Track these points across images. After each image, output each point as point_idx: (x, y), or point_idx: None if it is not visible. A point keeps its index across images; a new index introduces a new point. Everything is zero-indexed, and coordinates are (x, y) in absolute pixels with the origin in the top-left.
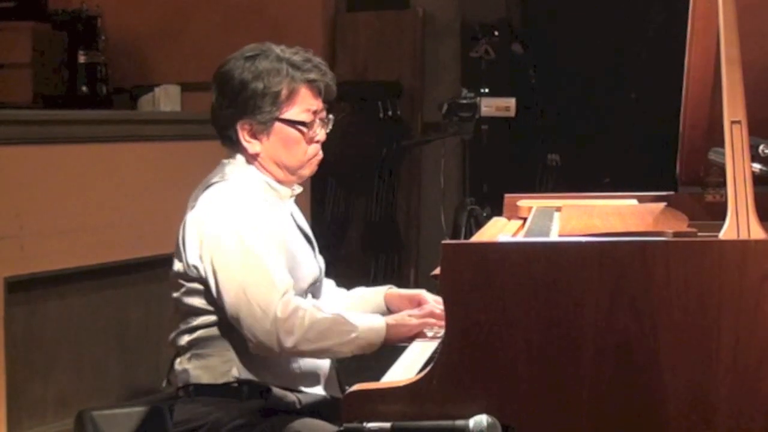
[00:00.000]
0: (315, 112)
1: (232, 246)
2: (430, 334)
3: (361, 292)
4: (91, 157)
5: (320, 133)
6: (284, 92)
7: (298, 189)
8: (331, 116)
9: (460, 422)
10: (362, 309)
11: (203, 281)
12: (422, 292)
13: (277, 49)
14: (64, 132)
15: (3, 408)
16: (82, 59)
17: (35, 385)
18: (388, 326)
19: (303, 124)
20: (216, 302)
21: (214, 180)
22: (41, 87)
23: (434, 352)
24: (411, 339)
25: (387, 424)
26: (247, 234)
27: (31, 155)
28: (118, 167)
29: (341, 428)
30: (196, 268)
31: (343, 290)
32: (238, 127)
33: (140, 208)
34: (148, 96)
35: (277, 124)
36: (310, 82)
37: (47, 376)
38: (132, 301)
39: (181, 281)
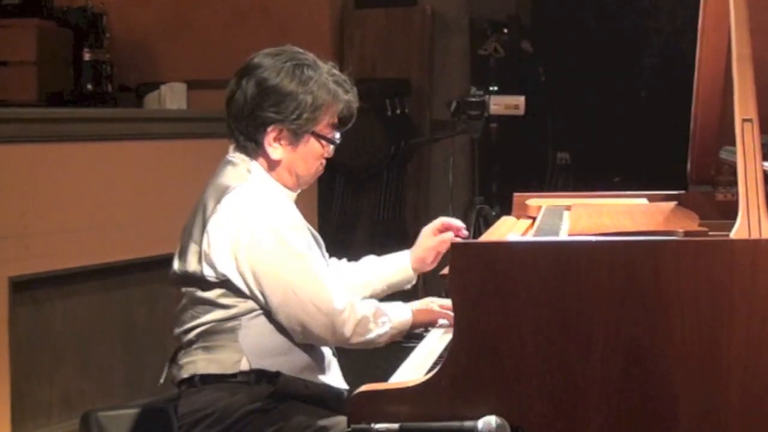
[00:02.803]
0: (337, 130)
1: (273, 249)
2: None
3: (375, 263)
4: (97, 156)
5: (332, 150)
6: (326, 108)
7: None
8: (337, 135)
9: (468, 423)
10: (386, 280)
11: (226, 283)
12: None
13: (321, 64)
14: (69, 130)
15: (7, 408)
16: (87, 57)
17: (40, 386)
18: (414, 315)
19: (332, 141)
20: (239, 296)
21: (233, 183)
22: (46, 85)
23: (443, 352)
24: (438, 316)
25: (395, 425)
26: (285, 235)
27: (35, 153)
28: (123, 165)
29: (349, 429)
30: (225, 274)
31: (352, 264)
32: (269, 129)
33: (146, 206)
34: (154, 94)
35: (311, 137)
36: (346, 103)
37: (52, 376)
38: (138, 301)
39: (198, 279)
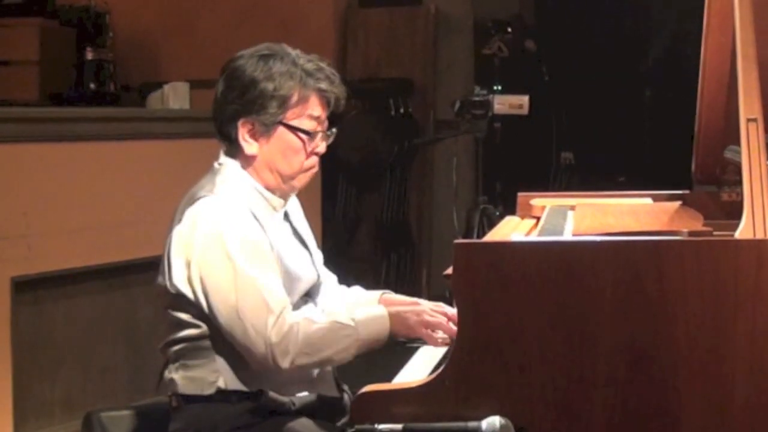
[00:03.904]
0: (319, 122)
1: (223, 268)
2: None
3: (356, 293)
4: (99, 155)
5: (322, 146)
6: (294, 97)
7: (293, 199)
8: (333, 129)
9: (472, 424)
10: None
11: (188, 299)
12: (418, 301)
13: (293, 53)
14: (71, 130)
15: (9, 409)
16: (90, 56)
17: (42, 386)
18: (391, 316)
19: (306, 133)
20: (203, 316)
21: (201, 194)
22: (49, 84)
23: (446, 353)
24: (418, 334)
25: (398, 426)
26: (238, 255)
27: (38, 153)
28: (126, 165)
29: (352, 430)
30: (179, 288)
31: (343, 287)
32: (239, 124)
33: (148, 206)
34: (157, 93)
35: (280, 129)
36: (321, 92)
37: (54, 376)
38: (140, 301)
39: (165, 294)
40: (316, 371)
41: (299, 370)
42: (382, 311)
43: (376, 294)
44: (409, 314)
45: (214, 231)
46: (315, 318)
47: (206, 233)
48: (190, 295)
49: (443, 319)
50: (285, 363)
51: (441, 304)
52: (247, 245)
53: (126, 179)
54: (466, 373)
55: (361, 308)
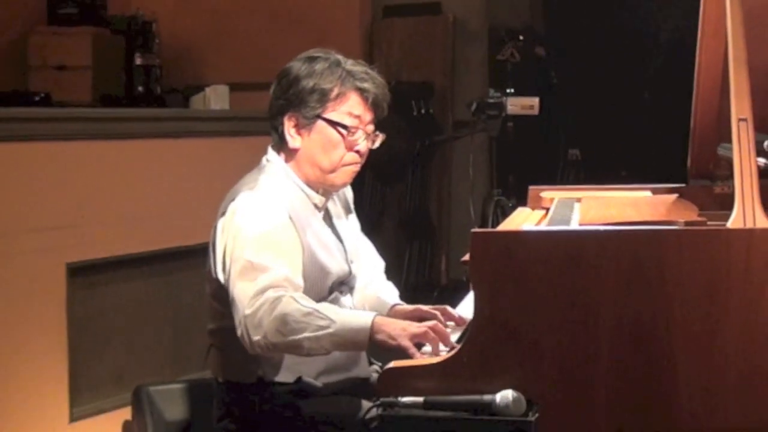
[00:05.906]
0: (361, 121)
1: (239, 259)
2: (428, 349)
3: (381, 289)
4: (146, 152)
5: (362, 144)
6: (333, 92)
7: (350, 195)
8: (378, 133)
9: (487, 396)
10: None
11: (225, 288)
12: (421, 307)
13: (341, 57)
14: (121, 129)
15: (66, 383)
16: (138, 61)
17: (95, 363)
18: (375, 322)
19: (345, 127)
20: None
21: (242, 189)
22: (101, 87)
23: (464, 332)
24: (400, 344)
25: (420, 399)
26: (252, 246)
27: (90, 150)
28: (171, 161)
29: (377, 402)
30: (219, 277)
31: (390, 284)
32: (285, 119)
33: (191, 198)
34: (199, 95)
35: (320, 122)
36: (361, 91)
37: (105, 353)
38: (183, 285)
39: (210, 281)
40: (352, 358)
41: (271, 350)
42: (367, 314)
43: (388, 304)
44: (396, 324)
45: (243, 224)
46: (301, 300)
47: (237, 226)
48: (224, 283)
49: (433, 323)
50: (257, 335)
51: (446, 306)
52: (265, 239)
53: (170, 174)
54: (482, 350)
55: (351, 312)
